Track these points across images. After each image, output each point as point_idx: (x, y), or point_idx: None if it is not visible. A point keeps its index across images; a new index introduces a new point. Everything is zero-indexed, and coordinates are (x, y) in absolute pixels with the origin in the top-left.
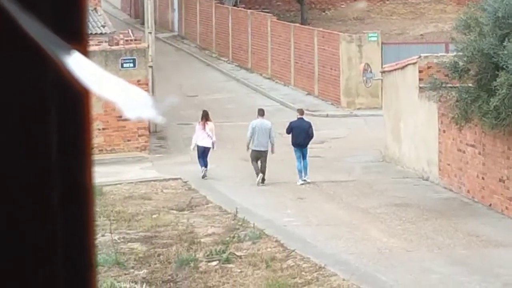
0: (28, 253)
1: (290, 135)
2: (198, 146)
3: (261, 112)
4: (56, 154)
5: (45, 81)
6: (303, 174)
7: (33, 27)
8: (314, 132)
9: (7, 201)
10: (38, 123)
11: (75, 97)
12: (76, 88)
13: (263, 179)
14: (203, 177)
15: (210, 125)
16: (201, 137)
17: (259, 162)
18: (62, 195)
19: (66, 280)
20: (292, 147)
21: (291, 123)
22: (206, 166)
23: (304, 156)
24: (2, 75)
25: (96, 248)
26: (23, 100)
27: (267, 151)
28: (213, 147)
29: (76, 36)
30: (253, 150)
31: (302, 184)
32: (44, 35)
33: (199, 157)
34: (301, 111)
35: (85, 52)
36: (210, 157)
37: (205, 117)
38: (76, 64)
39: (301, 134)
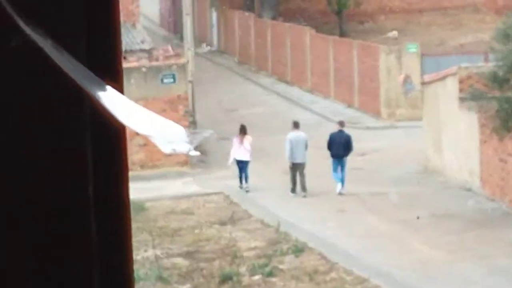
0: (66, 269)
1: (330, 147)
2: (236, 161)
3: (296, 125)
4: (92, 187)
5: (82, 115)
6: (339, 184)
7: (67, 64)
8: (355, 144)
9: (45, 228)
10: (75, 156)
11: (111, 132)
12: (111, 123)
13: (304, 189)
14: (247, 191)
15: (248, 138)
16: (239, 151)
17: (297, 174)
18: (100, 225)
19: None
20: (331, 159)
21: (331, 134)
22: (246, 180)
23: (342, 168)
24: (39, 107)
25: (134, 263)
26: (59, 131)
27: (304, 163)
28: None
29: (110, 72)
30: (292, 163)
31: (340, 193)
32: (78, 71)
33: (239, 172)
34: (341, 123)
35: (120, 89)
36: (251, 172)
37: (243, 131)
38: (111, 99)
39: (340, 146)
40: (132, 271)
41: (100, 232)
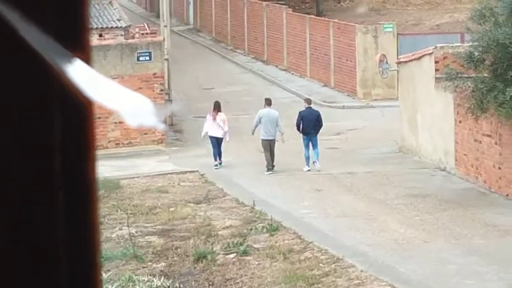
0: (32, 253)
1: (300, 124)
2: (210, 137)
3: (268, 102)
4: (60, 161)
5: (48, 90)
6: (311, 161)
7: (33, 36)
8: (331, 124)
9: (10, 202)
10: (42, 132)
11: (78, 107)
12: (78, 98)
13: (272, 166)
14: (220, 166)
15: (221, 115)
16: (212, 127)
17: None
18: (67, 200)
19: (70, 279)
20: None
21: (300, 112)
22: (220, 156)
23: (314, 145)
24: (6, 85)
25: (101, 246)
26: (26, 108)
27: (275, 139)
28: (225, 138)
29: (78, 43)
30: (263, 140)
31: (308, 170)
32: (45, 43)
33: (213, 149)
34: (308, 101)
35: (87, 60)
36: (226, 150)
37: (217, 108)
38: (78, 72)
39: (310, 123)
40: (99, 253)
41: (65, 205)
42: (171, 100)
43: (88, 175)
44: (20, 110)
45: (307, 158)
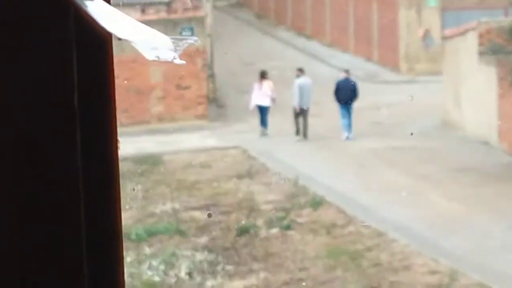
0: (50, 233)
1: (337, 94)
2: (257, 106)
3: (302, 71)
4: (77, 100)
5: (66, 26)
6: (347, 131)
7: None
8: (373, 98)
9: (27, 172)
10: (60, 71)
11: (98, 42)
12: (98, 33)
13: (306, 136)
14: (262, 135)
15: (269, 83)
16: (259, 96)
17: (300, 120)
18: (83, 155)
19: (91, 258)
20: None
21: (337, 83)
22: (266, 125)
23: (349, 115)
24: (19, 23)
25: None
26: (43, 46)
27: (309, 108)
28: (273, 102)
29: None
30: (299, 108)
31: (346, 139)
32: None
33: (260, 115)
34: (347, 71)
35: None
36: (268, 125)
37: (262, 76)
38: (96, 7)
39: (346, 93)
40: (121, 233)
41: (84, 154)
42: (213, 76)
43: (108, 109)
44: (37, 42)
45: (345, 127)
